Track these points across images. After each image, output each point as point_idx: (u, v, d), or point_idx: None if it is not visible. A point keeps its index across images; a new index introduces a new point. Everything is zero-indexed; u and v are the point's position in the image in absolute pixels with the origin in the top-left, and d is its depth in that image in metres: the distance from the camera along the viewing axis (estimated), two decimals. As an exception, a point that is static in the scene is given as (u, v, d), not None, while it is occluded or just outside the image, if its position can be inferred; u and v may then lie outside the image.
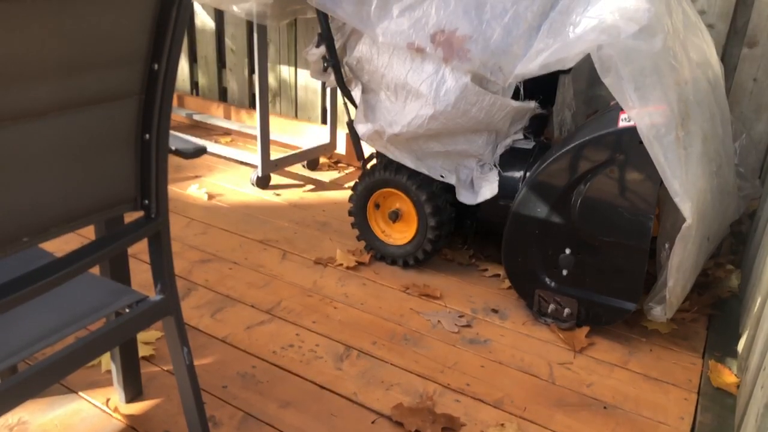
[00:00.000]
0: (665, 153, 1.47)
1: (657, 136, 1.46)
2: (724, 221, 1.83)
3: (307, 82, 3.10)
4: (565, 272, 1.72)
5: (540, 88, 1.86)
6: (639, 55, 1.48)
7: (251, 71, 3.30)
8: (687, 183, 1.48)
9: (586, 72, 2.21)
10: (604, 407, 1.49)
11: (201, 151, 1.12)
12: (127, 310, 1.06)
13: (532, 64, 1.66)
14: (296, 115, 3.20)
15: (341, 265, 2.07)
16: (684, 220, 1.49)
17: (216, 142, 3.16)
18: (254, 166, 2.71)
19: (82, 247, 0.94)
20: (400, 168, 1.95)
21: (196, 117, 3.40)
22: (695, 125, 1.57)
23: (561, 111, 2.13)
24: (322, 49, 1.99)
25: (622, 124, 1.56)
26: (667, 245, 1.62)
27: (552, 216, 1.70)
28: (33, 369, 0.89)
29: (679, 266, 1.55)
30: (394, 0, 1.79)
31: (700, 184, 1.54)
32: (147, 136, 0.98)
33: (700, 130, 1.58)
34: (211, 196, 2.57)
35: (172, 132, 1.03)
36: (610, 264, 1.66)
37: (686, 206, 1.47)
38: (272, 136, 3.04)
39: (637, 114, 1.48)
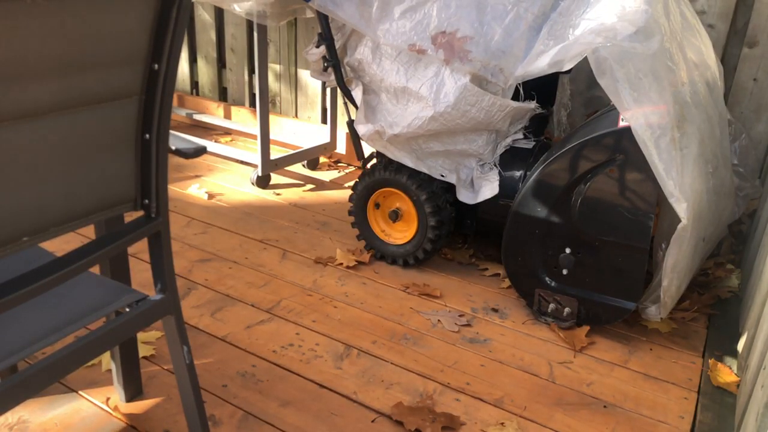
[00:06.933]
0: (660, 154, 1.47)
1: (652, 137, 1.47)
2: (720, 222, 1.83)
3: (307, 82, 3.10)
4: (565, 272, 1.73)
5: (540, 87, 1.86)
6: (635, 56, 1.48)
7: (251, 71, 3.31)
8: (683, 184, 1.48)
9: (586, 73, 2.21)
10: (604, 406, 1.49)
11: (201, 150, 1.12)
12: (127, 310, 1.06)
13: (533, 66, 1.66)
14: (296, 115, 3.20)
15: (341, 264, 2.07)
16: (680, 220, 1.49)
17: (216, 141, 3.16)
18: (254, 166, 2.71)
19: (82, 247, 0.94)
20: (400, 167, 1.95)
21: (196, 117, 3.40)
22: (692, 126, 1.57)
23: (557, 111, 2.14)
24: (322, 49, 2.00)
25: (622, 124, 1.56)
26: (663, 245, 1.62)
27: (552, 215, 1.70)
28: (33, 368, 0.89)
29: (674, 266, 1.55)
30: (395, 2, 1.79)
31: (696, 185, 1.54)
32: (147, 136, 0.98)
33: (697, 132, 1.58)
34: (211, 196, 2.57)
35: (172, 132, 1.03)
36: (610, 263, 1.66)
37: (681, 207, 1.48)
38: (272, 136, 3.05)
39: (632, 115, 1.48)
